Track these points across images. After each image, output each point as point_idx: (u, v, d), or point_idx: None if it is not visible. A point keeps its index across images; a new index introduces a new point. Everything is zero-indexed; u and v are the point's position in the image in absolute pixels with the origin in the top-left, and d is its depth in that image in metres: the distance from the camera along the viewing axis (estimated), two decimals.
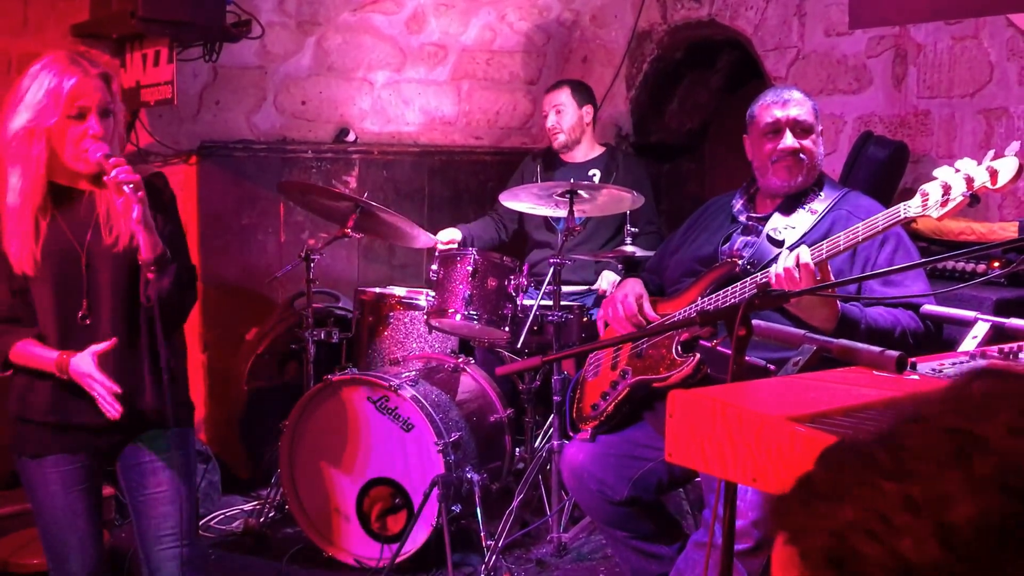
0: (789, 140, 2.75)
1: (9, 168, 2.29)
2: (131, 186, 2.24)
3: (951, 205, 2.27)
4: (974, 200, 2.28)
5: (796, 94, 2.81)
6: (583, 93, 4.58)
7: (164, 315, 2.33)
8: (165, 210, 2.44)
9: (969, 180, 2.25)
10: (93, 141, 2.27)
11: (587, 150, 4.58)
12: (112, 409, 2.27)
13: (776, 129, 2.77)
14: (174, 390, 2.44)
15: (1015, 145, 2.27)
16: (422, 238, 4.16)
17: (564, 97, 4.52)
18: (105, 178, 2.26)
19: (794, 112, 2.77)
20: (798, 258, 2.39)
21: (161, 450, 2.44)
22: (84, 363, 2.28)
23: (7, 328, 2.37)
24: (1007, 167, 2.24)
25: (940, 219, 2.32)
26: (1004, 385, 0.69)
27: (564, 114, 4.51)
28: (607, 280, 4.26)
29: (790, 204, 2.80)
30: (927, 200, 2.29)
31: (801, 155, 2.75)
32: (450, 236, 4.42)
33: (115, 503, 3.57)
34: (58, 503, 2.38)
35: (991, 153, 2.27)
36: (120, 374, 2.34)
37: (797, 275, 2.38)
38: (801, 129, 2.76)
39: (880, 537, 0.62)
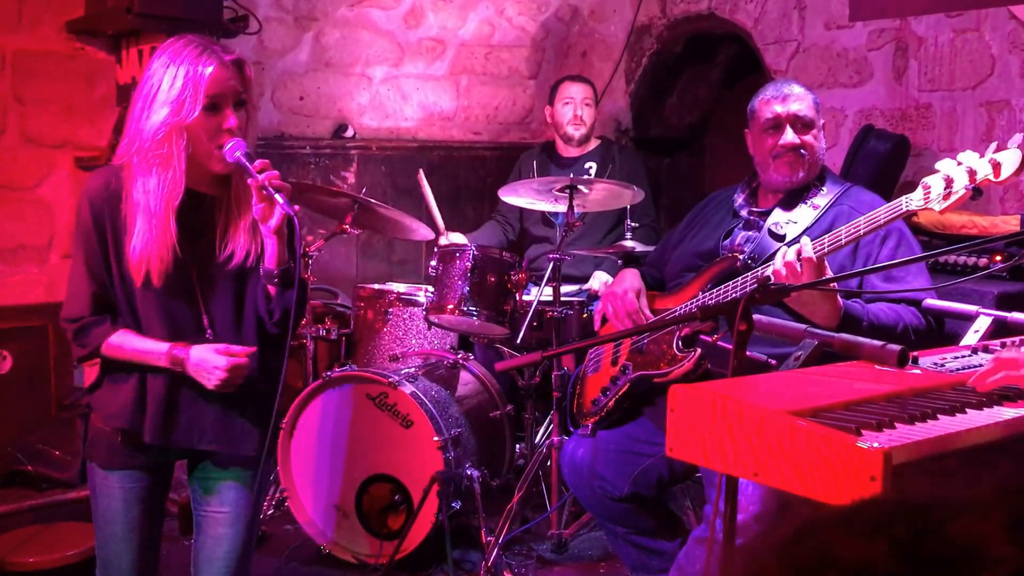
0: (790, 136, 2.73)
1: (146, 169, 2.09)
2: (282, 194, 2.05)
3: (953, 198, 2.26)
4: (976, 193, 2.26)
5: (797, 88, 2.79)
6: (596, 95, 4.69)
7: (275, 334, 2.20)
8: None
9: (971, 173, 2.24)
10: (230, 136, 2.07)
11: (585, 145, 4.60)
12: (243, 367, 2.15)
13: (777, 125, 2.75)
14: (259, 424, 2.30)
15: (1017, 137, 2.25)
16: (421, 231, 4.14)
17: (591, 93, 4.60)
18: (249, 181, 2.08)
19: (795, 107, 2.74)
20: (799, 251, 2.38)
21: (232, 470, 2.30)
22: (208, 355, 2.14)
23: (101, 319, 2.21)
24: (1010, 160, 2.22)
25: (942, 212, 2.31)
26: None
27: (590, 108, 4.58)
28: (599, 280, 4.25)
29: (792, 199, 2.79)
30: (929, 193, 2.28)
31: (802, 151, 2.74)
32: (455, 240, 4.40)
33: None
34: (117, 519, 2.29)
35: (993, 145, 2.25)
36: (214, 395, 2.22)
37: (799, 268, 2.37)
38: (802, 124, 2.74)
39: None
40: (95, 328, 2.20)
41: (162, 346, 2.16)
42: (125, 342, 2.18)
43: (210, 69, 2.05)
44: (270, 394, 2.28)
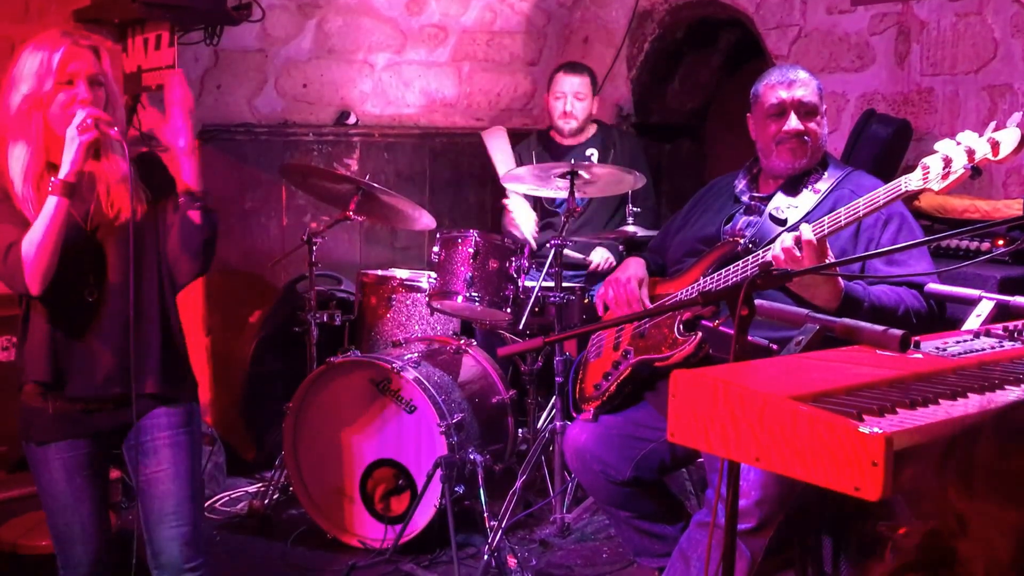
0: (794, 122, 2.72)
1: (11, 142, 2.30)
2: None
3: (952, 178, 2.25)
4: (975, 172, 2.25)
5: (802, 74, 2.78)
6: (595, 83, 4.61)
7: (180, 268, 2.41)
8: (161, 187, 2.44)
9: (970, 152, 2.23)
10: (82, 106, 2.26)
11: (584, 133, 4.58)
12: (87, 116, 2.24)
13: (781, 110, 2.74)
14: (178, 365, 2.46)
15: (1016, 116, 2.25)
16: (423, 220, 4.16)
17: (585, 86, 4.51)
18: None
19: (800, 93, 2.74)
20: (798, 236, 2.38)
21: (164, 428, 2.43)
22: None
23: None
24: (1009, 138, 2.22)
25: (941, 192, 2.30)
26: None
27: (583, 102, 4.49)
28: (600, 255, 4.26)
29: (793, 184, 2.79)
30: (928, 173, 2.27)
31: (805, 137, 2.73)
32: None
33: (121, 486, 3.58)
34: (62, 489, 2.37)
35: (992, 125, 2.25)
36: (125, 351, 2.34)
37: (798, 253, 2.37)
38: (806, 111, 2.74)
39: None
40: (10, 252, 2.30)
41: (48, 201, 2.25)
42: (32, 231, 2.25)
43: (62, 49, 2.28)
44: (179, 341, 2.48)
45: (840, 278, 2.45)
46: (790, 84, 2.74)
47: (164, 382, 2.42)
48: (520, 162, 4.61)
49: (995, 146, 2.22)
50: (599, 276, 4.19)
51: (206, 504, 3.84)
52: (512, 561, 3.33)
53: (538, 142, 4.68)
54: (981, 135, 2.25)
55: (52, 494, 2.38)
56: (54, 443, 2.37)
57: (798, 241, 2.37)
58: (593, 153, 4.49)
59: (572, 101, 4.48)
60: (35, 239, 2.24)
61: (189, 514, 2.43)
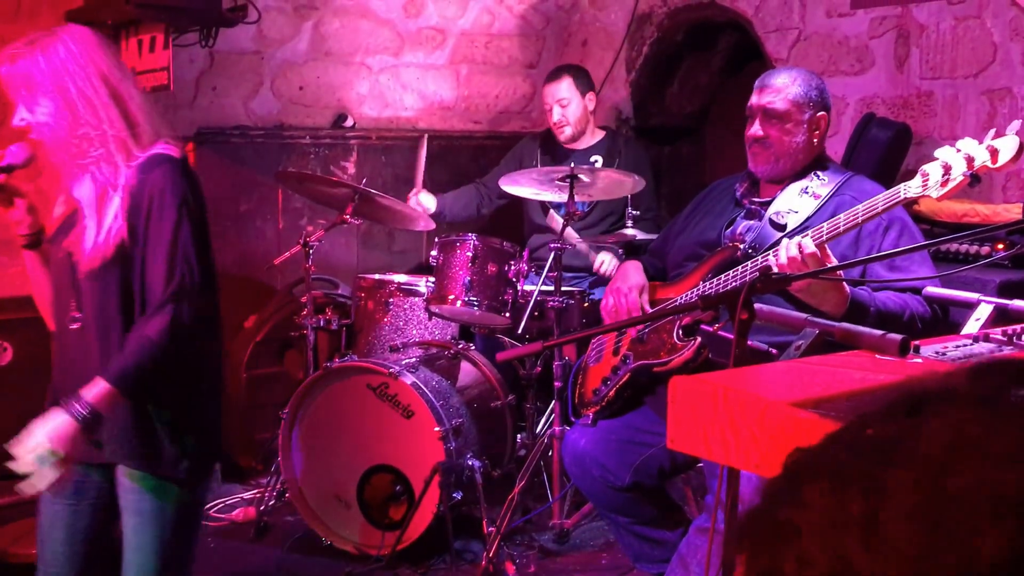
0: (753, 128, 2.75)
1: None
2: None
3: (951, 185, 2.26)
4: (974, 180, 2.26)
5: (779, 80, 2.77)
6: (583, 80, 4.48)
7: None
8: (142, 218, 2.09)
9: (969, 159, 2.24)
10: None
11: (589, 137, 4.53)
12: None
13: (751, 115, 2.77)
14: (155, 441, 2.12)
15: (1016, 124, 2.25)
16: (421, 221, 4.14)
17: (566, 89, 4.41)
18: None
19: (766, 99, 2.74)
20: (801, 246, 2.37)
21: (129, 490, 2.13)
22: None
23: None
24: (1007, 146, 2.22)
25: (940, 199, 2.31)
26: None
27: (569, 107, 4.41)
28: (607, 262, 4.24)
29: (792, 188, 2.78)
30: (927, 180, 2.28)
31: (767, 142, 2.73)
32: (424, 203, 4.39)
33: None
34: (44, 509, 2.20)
35: (992, 132, 2.26)
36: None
37: (802, 261, 2.36)
38: (772, 117, 2.73)
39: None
40: None
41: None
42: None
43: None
44: (175, 417, 2.15)
45: (846, 285, 2.44)
46: (761, 90, 2.77)
47: (124, 456, 2.11)
48: (521, 163, 4.58)
49: (994, 154, 2.22)
50: (604, 280, 4.16)
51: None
52: (511, 568, 3.31)
53: (541, 144, 4.63)
54: (981, 142, 2.25)
55: (39, 511, 2.22)
56: None
57: (800, 249, 2.36)
58: (597, 159, 4.46)
59: (557, 109, 4.42)
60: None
61: None
